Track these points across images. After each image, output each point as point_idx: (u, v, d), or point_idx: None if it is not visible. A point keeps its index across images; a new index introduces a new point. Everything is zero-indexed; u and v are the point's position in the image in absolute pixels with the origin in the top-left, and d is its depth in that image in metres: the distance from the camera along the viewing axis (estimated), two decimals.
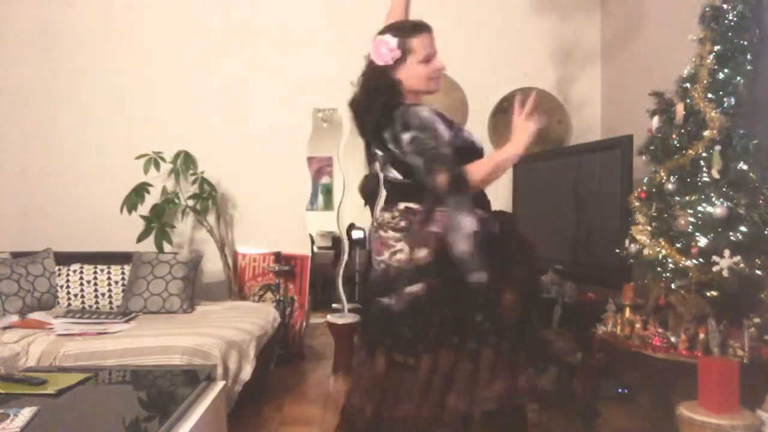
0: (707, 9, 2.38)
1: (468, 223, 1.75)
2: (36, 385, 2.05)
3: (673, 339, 2.16)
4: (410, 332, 1.81)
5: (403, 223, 1.85)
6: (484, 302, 1.79)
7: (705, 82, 2.33)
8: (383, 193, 2.05)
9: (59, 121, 4.16)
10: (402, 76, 1.89)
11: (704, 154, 2.28)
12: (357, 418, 1.86)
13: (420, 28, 1.93)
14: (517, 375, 1.80)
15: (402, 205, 1.88)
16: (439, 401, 1.76)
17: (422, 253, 1.81)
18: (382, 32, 1.91)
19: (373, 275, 1.93)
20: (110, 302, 3.57)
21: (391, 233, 1.87)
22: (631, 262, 2.58)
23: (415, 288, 1.80)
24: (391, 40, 1.86)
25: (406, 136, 1.79)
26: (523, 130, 1.82)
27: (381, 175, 2.02)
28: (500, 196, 4.10)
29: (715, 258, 2.14)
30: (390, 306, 1.83)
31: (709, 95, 2.31)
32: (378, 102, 1.86)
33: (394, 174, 1.91)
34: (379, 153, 1.93)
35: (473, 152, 1.91)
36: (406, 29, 1.91)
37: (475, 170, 1.79)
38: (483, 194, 1.92)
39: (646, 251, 2.38)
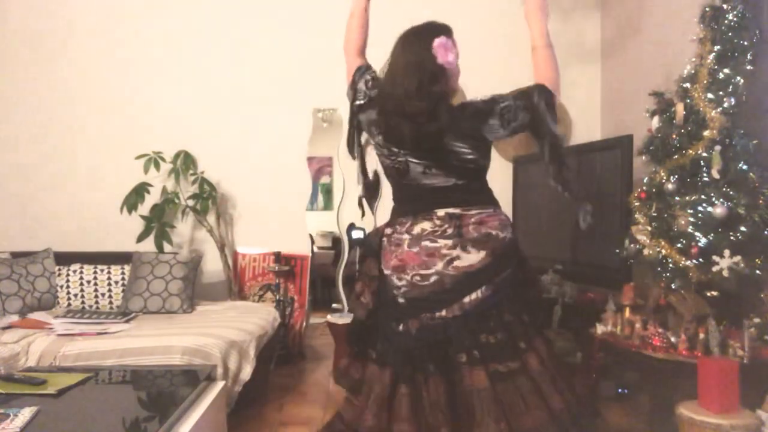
0: (707, 9, 2.39)
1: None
2: (36, 385, 2.05)
3: (673, 339, 2.16)
4: (494, 338, 1.73)
5: (450, 230, 1.78)
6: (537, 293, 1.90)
7: (705, 82, 2.33)
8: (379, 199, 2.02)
9: (59, 121, 4.16)
10: (449, 76, 1.83)
11: (704, 154, 2.28)
12: None
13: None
14: None
15: (441, 212, 1.81)
16: (569, 387, 1.73)
17: (481, 256, 1.76)
18: (437, 33, 1.82)
19: (409, 291, 1.81)
20: (110, 302, 3.57)
21: (442, 242, 1.78)
22: (631, 262, 2.58)
23: (478, 293, 1.75)
24: (451, 42, 1.84)
25: (493, 122, 1.79)
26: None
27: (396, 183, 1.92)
28: (500, 196, 4.10)
29: (715, 258, 2.14)
30: (454, 318, 1.75)
31: (709, 95, 2.31)
32: (446, 104, 1.80)
33: (437, 179, 1.82)
34: (418, 160, 1.81)
35: None
36: (449, 31, 1.88)
37: (546, 74, 1.89)
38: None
39: (646, 251, 2.39)
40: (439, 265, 1.76)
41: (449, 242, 1.77)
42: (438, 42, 1.79)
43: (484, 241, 1.78)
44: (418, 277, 1.79)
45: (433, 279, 1.77)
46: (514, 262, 1.83)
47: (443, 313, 1.76)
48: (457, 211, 1.80)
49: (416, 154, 1.81)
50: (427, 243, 1.79)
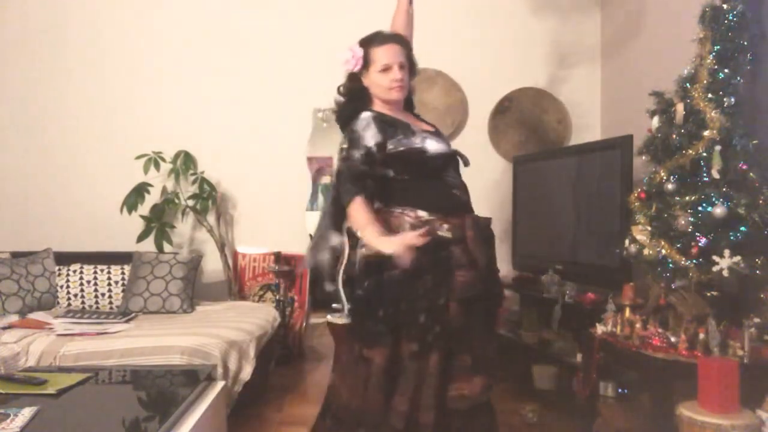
0: (707, 9, 2.38)
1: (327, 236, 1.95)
2: (36, 385, 2.05)
3: (673, 339, 2.16)
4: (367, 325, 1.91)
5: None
6: (426, 305, 1.82)
7: (705, 82, 2.33)
8: None
9: (59, 121, 4.16)
10: (367, 83, 2.03)
11: (704, 154, 2.28)
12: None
13: (386, 39, 2.04)
14: (455, 382, 1.87)
15: (376, 205, 1.94)
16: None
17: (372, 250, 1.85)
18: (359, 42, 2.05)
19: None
20: (110, 302, 3.57)
21: None
22: (631, 262, 2.58)
23: (366, 283, 1.89)
24: (357, 50, 2.01)
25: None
26: (395, 244, 1.76)
27: None
28: (500, 196, 4.11)
29: (715, 258, 2.14)
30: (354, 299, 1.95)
31: (709, 95, 2.31)
32: (348, 106, 2.04)
33: None
34: None
35: (422, 160, 1.94)
36: (374, 40, 2.04)
37: (354, 210, 1.86)
38: (424, 194, 1.94)
39: (646, 251, 2.38)
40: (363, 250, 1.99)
41: None
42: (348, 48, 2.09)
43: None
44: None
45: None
46: None
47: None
48: (379, 205, 2.01)
49: None
50: None
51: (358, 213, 1.85)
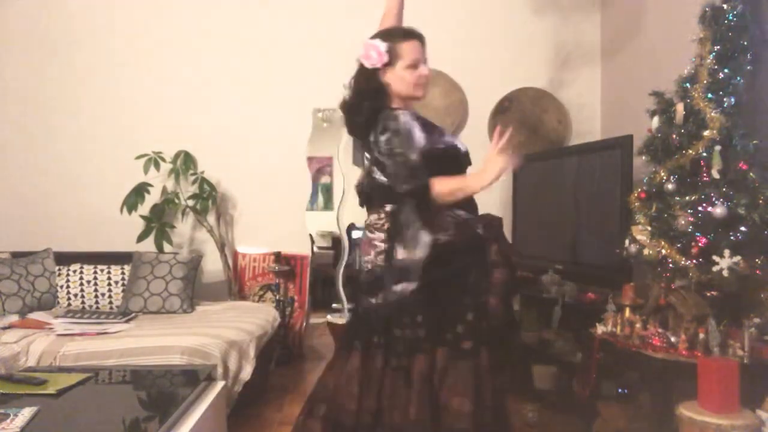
0: (707, 9, 2.38)
1: (420, 235, 1.84)
2: (36, 385, 2.05)
3: (673, 339, 2.16)
4: (400, 332, 1.83)
5: (387, 225, 1.89)
6: (472, 303, 1.83)
7: (705, 82, 2.33)
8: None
9: (59, 121, 4.16)
10: (389, 80, 1.93)
11: (704, 154, 2.28)
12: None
13: (410, 34, 1.96)
14: (502, 375, 1.86)
15: (388, 207, 1.91)
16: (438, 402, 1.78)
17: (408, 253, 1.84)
18: (373, 36, 1.95)
19: (360, 275, 1.96)
20: (110, 302, 3.56)
21: (377, 234, 1.90)
22: (631, 262, 2.58)
23: (400, 287, 1.83)
24: (381, 45, 1.91)
25: (382, 139, 1.86)
26: (495, 164, 1.79)
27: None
28: (500, 196, 4.10)
29: (715, 258, 2.14)
30: (378, 306, 1.87)
31: (709, 95, 2.31)
32: (365, 104, 1.92)
33: (379, 176, 1.92)
34: (367, 154, 1.97)
35: (457, 157, 1.95)
36: (397, 35, 1.96)
37: (439, 185, 1.82)
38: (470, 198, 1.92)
39: (646, 251, 2.38)
40: (371, 255, 1.91)
41: (382, 236, 1.90)
42: (365, 43, 1.96)
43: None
44: (363, 262, 1.95)
45: (368, 267, 1.92)
46: None
47: (374, 300, 1.89)
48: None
49: (364, 147, 2.00)
50: (368, 233, 1.94)
51: (444, 182, 1.82)
